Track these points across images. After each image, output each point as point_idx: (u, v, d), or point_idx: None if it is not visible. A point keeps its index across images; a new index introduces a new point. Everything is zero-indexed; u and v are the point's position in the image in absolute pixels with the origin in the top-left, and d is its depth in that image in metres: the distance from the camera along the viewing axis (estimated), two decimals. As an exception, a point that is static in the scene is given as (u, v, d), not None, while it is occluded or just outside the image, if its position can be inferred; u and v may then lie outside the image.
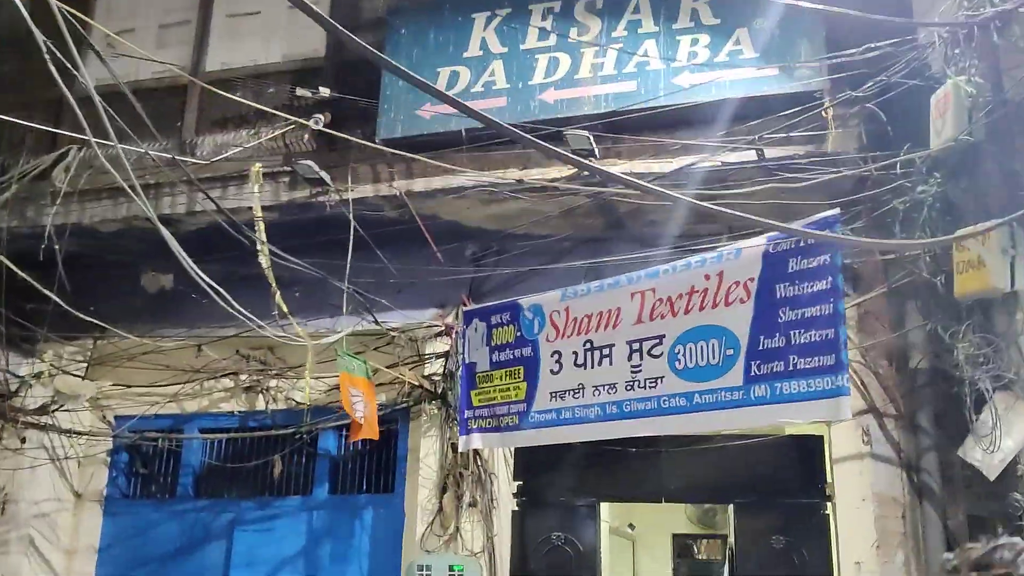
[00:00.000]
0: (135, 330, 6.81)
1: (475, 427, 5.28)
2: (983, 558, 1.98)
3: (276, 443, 6.64)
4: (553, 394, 4.85)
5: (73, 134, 3.73)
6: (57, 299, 5.54)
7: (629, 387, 4.45)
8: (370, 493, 6.61)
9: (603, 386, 4.58)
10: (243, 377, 6.87)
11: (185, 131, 6.27)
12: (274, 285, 4.51)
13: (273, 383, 6.78)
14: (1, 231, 6.19)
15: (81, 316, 5.87)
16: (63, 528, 6.98)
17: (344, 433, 6.77)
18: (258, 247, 4.52)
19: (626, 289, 4.56)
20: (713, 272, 4.21)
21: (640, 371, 4.43)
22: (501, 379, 5.15)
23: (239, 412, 6.93)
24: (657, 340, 4.39)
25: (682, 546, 10.92)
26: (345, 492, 6.70)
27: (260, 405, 6.84)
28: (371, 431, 5.08)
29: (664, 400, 4.31)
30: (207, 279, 4.31)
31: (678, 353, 4.29)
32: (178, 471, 7.11)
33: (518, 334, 5.11)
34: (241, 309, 4.51)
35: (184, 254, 4.59)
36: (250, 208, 5.57)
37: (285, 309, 4.56)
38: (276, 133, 5.67)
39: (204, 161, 5.42)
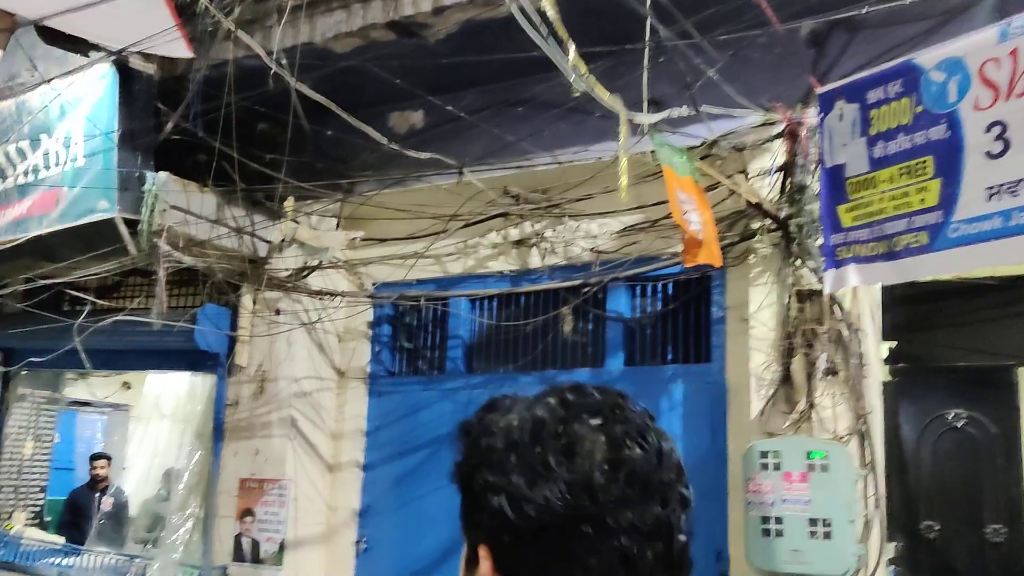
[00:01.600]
0: (387, 179, 5.78)
1: (848, 257, 3.64)
2: None
3: (558, 306, 5.38)
4: (993, 190, 3.10)
5: None
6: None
7: None
8: (678, 363, 5.20)
9: (1105, 161, 2.77)
10: (513, 231, 5.63)
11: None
12: (566, 33, 3.04)
13: (549, 233, 5.49)
14: (227, 65, 5.22)
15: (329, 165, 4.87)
16: (327, 409, 6.19)
17: (640, 289, 5.38)
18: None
19: None
20: None
21: None
22: (892, 181, 3.46)
23: (510, 272, 5.72)
24: None
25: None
26: (645, 362, 5.34)
27: (535, 262, 5.58)
28: (711, 254, 3.57)
29: None
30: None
31: None
32: (446, 344, 6.07)
33: (919, 108, 3.36)
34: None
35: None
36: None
37: (584, 69, 3.10)
38: None
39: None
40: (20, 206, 5.82)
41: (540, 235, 5.43)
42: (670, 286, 5.24)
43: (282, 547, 5.75)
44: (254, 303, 6.20)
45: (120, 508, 7.56)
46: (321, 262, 5.52)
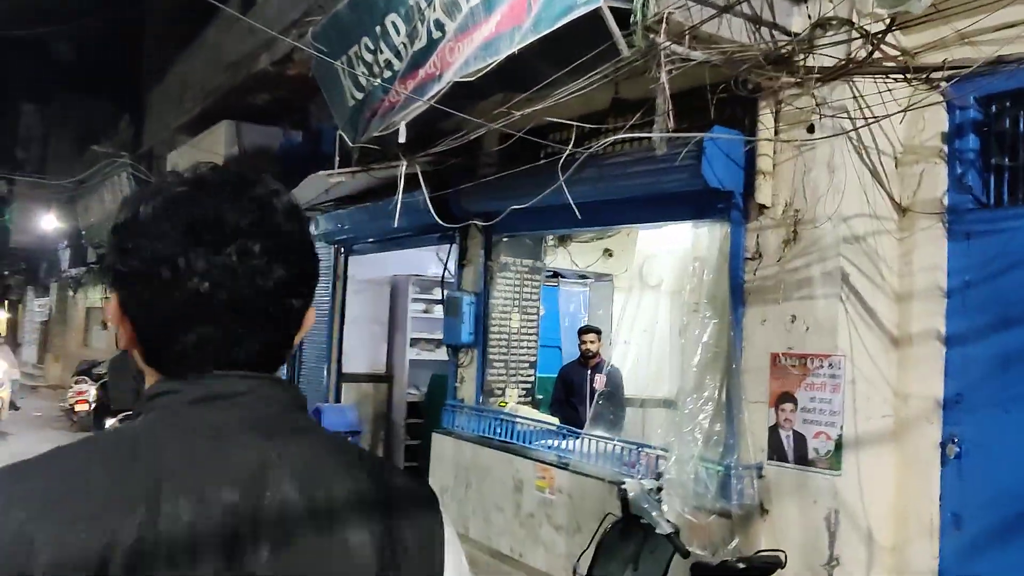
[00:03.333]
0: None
1: None
2: None
3: None
4: None
5: None
6: None
7: None
8: None
9: None
10: None
11: None
12: None
13: None
14: None
15: None
16: (886, 259, 4.44)
17: None
18: None
19: None
20: None
21: None
22: None
23: None
24: None
25: None
26: None
27: None
28: None
29: None
30: None
31: None
32: (1082, 152, 3.94)
33: None
34: None
35: None
36: None
37: None
38: None
39: None
40: (487, 25, 4.80)
41: None
42: None
43: (838, 445, 4.22)
44: (776, 120, 4.60)
45: (615, 388, 6.62)
46: (888, 30, 3.67)
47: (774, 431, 4.49)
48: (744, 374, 4.63)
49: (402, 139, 5.60)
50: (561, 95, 4.44)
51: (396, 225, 5.89)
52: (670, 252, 5.71)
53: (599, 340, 7.04)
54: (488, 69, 4.76)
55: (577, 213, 5.33)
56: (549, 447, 6.00)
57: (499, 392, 6.82)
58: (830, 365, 4.27)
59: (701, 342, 4.81)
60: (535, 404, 6.99)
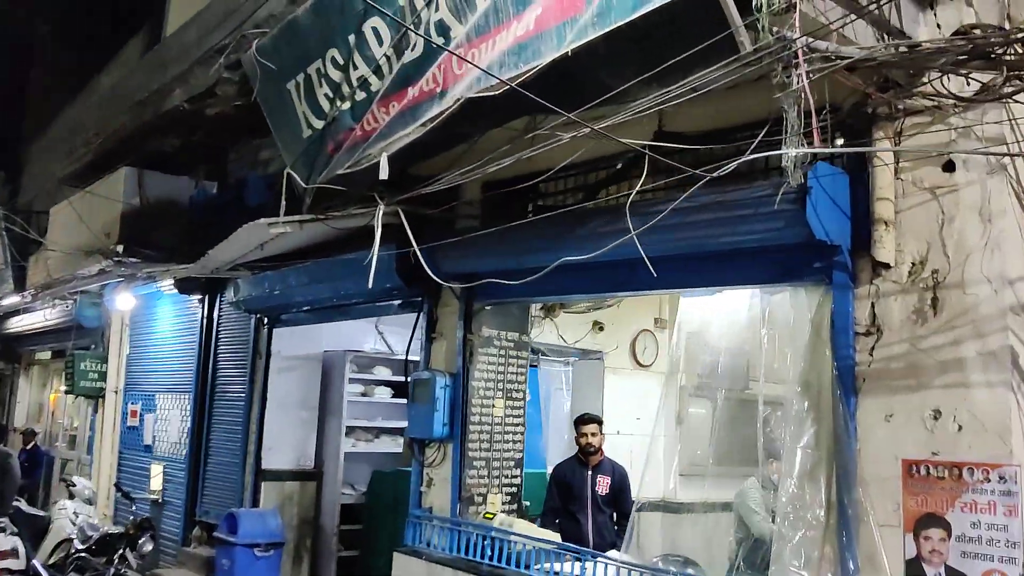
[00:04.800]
0: None
1: None
2: None
3: None
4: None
5: None
6: None
7: None
8: None
9: None
10: None
11: None
12: None
13: None
14: None
15: None
16: (1050, 336, 3.42)
17: None
18: None
19: None
20: None
21: None
22: None
23: None
24: None
25: None
26: None
27: None
28: None
29: None
30: None
31: None
32: None
33: None
34: None
35: None
36: None
37: None
38: None
39: None
40: (520, 22, 3.65)
41: None
42: None
43: (1019, 588, 3.09)
44: (895, 154, 3.56)
45: (623, 493, 5.37)
46: None
47: (915, 566, 3.32)
48: (865, 486, 3.47)
49: (383, 175, 4.34)
50: (636, 109, 3.29)
51: (371, 286, 4.55)
52: (727, 323, 4.59)
53: (601, 432, 5.79)
54: (523, 78, 3.58)
55: (604, 281, 4.21)
56: (551, 573, 4.66)
57: (480, 499, 5.47)
58: (1001, 478, 3.17)
59: (799, 445, 3.64)
60: (522, 512, 5.66)
